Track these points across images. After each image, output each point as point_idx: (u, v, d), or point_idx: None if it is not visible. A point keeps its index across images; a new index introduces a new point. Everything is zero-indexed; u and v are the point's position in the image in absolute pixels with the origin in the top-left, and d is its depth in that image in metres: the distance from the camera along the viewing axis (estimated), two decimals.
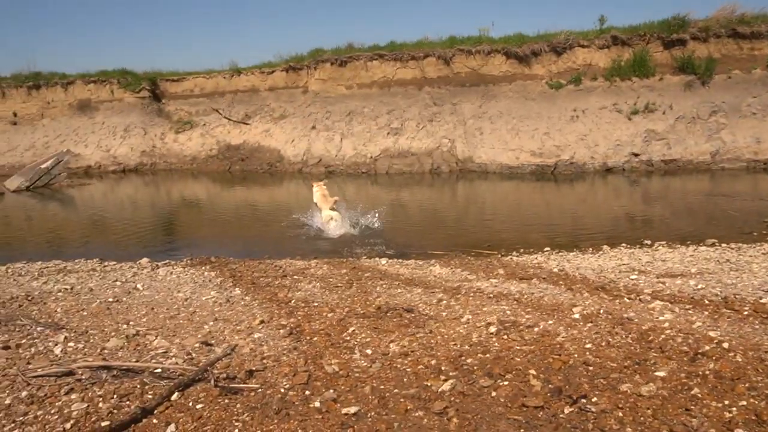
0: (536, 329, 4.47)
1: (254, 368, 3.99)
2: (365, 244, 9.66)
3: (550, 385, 3.55)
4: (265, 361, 4.13)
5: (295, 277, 6.88)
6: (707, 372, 3.59)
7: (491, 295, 5.59)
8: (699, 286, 5.58)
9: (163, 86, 27.18)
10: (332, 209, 10.33)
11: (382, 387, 3.68)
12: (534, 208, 13.59)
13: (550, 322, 4.63)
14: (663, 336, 4.18)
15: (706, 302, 5.02)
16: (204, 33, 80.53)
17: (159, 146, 25.08)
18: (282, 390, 3.67)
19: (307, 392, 3.64)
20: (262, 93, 25.49)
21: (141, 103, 26.45)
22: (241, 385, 3.74)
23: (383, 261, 7.97)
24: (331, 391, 3.63)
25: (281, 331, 4.74)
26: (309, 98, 24.22)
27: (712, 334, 4.18)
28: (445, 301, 5.45)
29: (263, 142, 23.57)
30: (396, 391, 3.62)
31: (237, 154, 23.58)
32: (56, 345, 4.41)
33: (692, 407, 3.24)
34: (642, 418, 3.17)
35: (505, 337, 4.35)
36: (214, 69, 26.87)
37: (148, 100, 26.63)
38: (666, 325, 4.42)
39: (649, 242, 8.86)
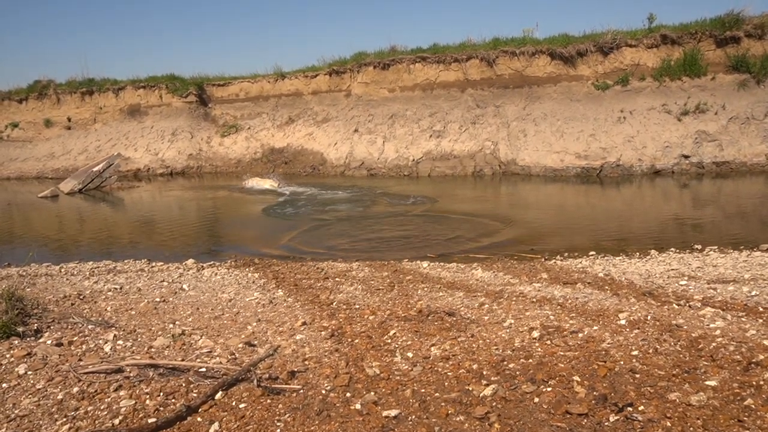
0: (581, 335, 4.39)
1: (296, 369, 4.03)
2: (407, 247, 9.66)
3: (594, 392, 3.48)
4: (306, 362, 4.16)
5: (336, 279, 6.93)
6: (761, 382, 3.46)
7: (534, 300, 5.52)
8: (753, 293, 5.38)
9: (209, 91, 27.77)
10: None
11: (423, 390, 3.66)
12: (579, 211, 13.36)
13: (595, 327, 4.54)
14: (714, 344, 4.05)
15: (761, 309, 4.85)
16: (249, 37, 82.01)
17: (205, 150, 25.62)
18: (323, 391, 3.70)
19: (348, 394, 3.65)
20: (305, 97, 25.78)
21: (188, 108, 27.07)
22: (283, 386, 3.77)
23: (425, 264, 7.95)
24: (372, 393, 3.64)
25: (323, 332, 4.77)
26: (352, 102, 24.37)
27: (767, 342, 4.03)
28: (487, 305, 5.40)
29: (306, 146, 23.83)
30: (437, 395, 3.60)
31: (281, 157, 23.90)
32: (106, 343, 4.54)
33: (745, 418, 3.13)
34: (692, 429, 3.07)
35: (549, 342, 4.28)
36: (259, 73, 27.34)
37: (195, 105, 27.25)
38: (717, 332, 4.28)
39: (699, 247, 8.60)
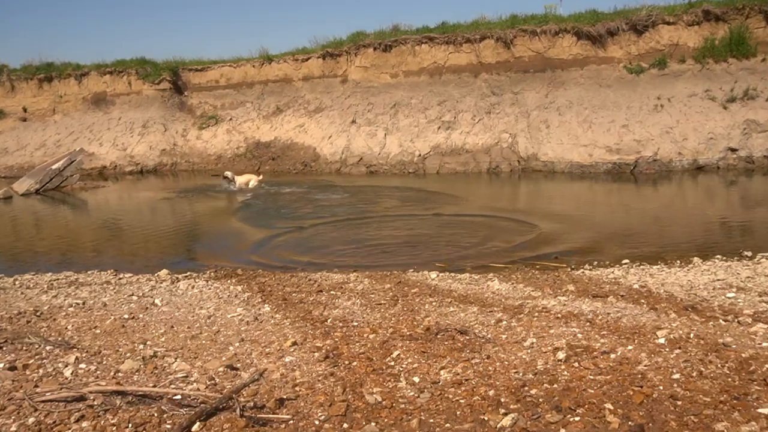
0: (613, 356, 4.37)
1: (285, 396, 4.01)
2: (412, 255, 9.65)
3: (629, 422, 3.47)
4: (297, 388, 4.15)
5: (332, 292, 6.92)
6: None
7: (559, 315, 5.51)
8: None
9: (185, 76, 27.83)
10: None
11: (431, 421, 3.65)
12: (610, 213, 13.35)
13: (630, 347, 4.53)
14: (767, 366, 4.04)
15: None
16: (231, 15, 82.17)
17: (181, 144, 25.67)
18: (317, 422, 3.68)
19: (345, 425, 3.64)
20: (295, 83, 25.83)
21: (161, 96, 27.13)
22: (271, 416, 3.76)
23: (433, 275, 7.94)
24: (373, 424, 3.62)
25: (316, 354, 4.76)
26: (348, 89, 24.41)
27: None
28: (505, 322, 5.39)
29: (297, 139, 23.87)
30: (447, 425, 3.59)
31: (267, 153, 23.94)
32: (66, 366, 4.53)
33: None
34: None
35: (576, 364, 4.27)
36: (242, 57, 27.42)
37: (168, 93, 27.31)
38: None
39: (749, 254, 8.58)
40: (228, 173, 18.41)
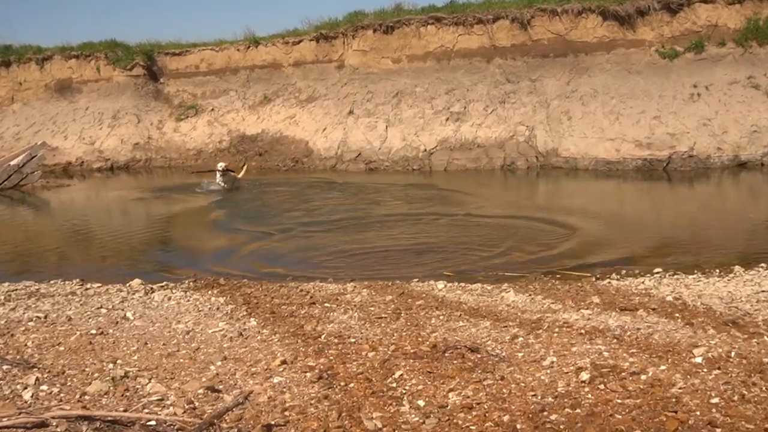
0: (643, 377, 4.37)
1: (273, 422, 4.01)
2: (417, 263, 9.66)
3: None
4: (287, 413, 4.14)
5: (326, 304, 6.91)
6: None
7: (583, 331, 5.50)
8: None
9: (161, 61, 27.86)
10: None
11: None
12: (640, 215, 13.35)
13: (663, 367, 4.52)
14: None
15: None
16: None
17: (156, 137, 25.70)
18: None
19: None
20: (285, 69, 25.87)
21: (134, 84, 27.16)
22: None
23: (440, 285, 7.93)
24: None
25: (308, 374, 4.76)
26: (345, 75, 24.44)
27: None
28: (521, 338, 5.38)
29: (287, 132, 23.89)
30: None
31: (253, 147, 23.96)
32: (26, 388, 4.53)
33: None
34: None
35: (602, 386, 4.26)
36: (226, 39, 27.44)
37: (142, 80, 27.33)
38: None
39: None
40: (221, 165, 18.07)
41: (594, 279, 8.22)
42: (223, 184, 17.45)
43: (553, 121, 20.59)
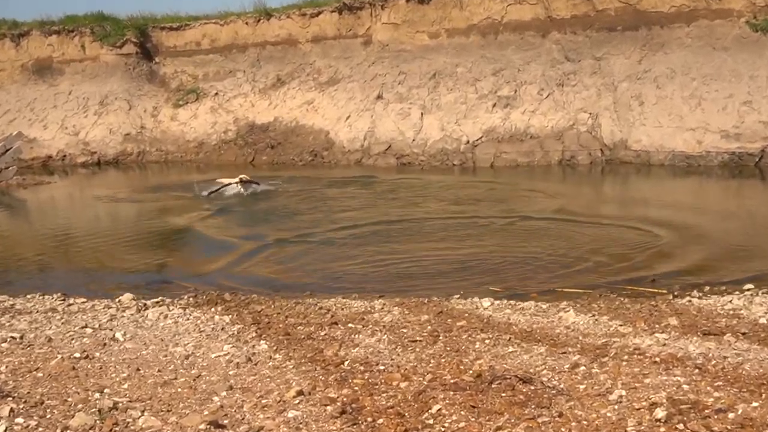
0: (732, 415, 4.31)
1: None
2: (459, 276, 9.63)
3: None
4: None
5: (350, 325, 6.91)
6: None
7: (658, 360, 5.45)
8: None
9: (156, 37, 28.06)
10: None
11: None
12: (727, 220, 13.18)
13: (755, 404, 4.46)
14: None
15: None
16: None
17: (150, 127, 25.89)
18: None
19: None
20: (302, 46, 25.93)
21: (124, 64, 27.36)
22: None
23: (485, 302, 7.90)
24: None
25: (329, 407, 4.76)
26: (373, 53, 24.45)
27: None
28: (583, 367, 5.34)
29: (303, 120, 23.96)
30: None
31: (264, 138, 24.06)
32: (0, 420, 4.57)
33: None
34: None
35: (681, 426, 4.21)
36: (232, 11, 27.55)
37: (134, 59, 27.54)
38: None
39: None
40: (241, 177, 17.94)
41: (671, 296, 8.13)
42: (243, 191, 17.52)
43: (621, 107, 20.43)
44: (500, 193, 16.38)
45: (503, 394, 4.87)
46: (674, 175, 18.13)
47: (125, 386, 5.34)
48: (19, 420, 4.62)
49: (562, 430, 4.30)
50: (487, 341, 6.21)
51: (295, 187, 18.20)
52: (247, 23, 26.88)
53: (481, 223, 13.32)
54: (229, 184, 17.67)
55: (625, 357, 5.57)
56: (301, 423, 4.56)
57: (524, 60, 22.33)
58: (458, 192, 16.97)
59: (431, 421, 4.50)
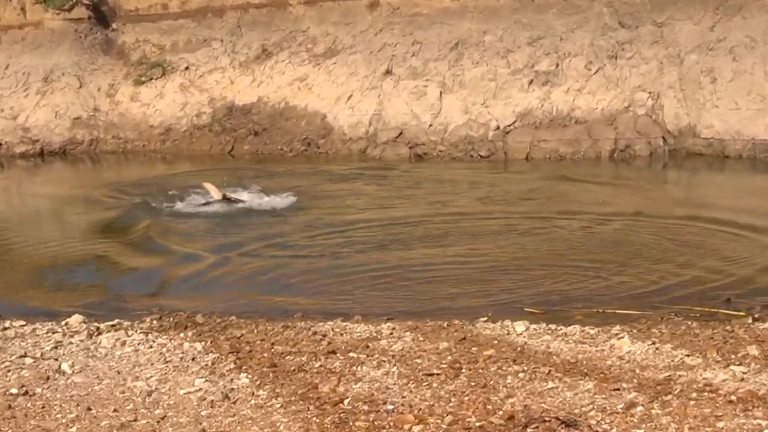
0: None
1: None
2: (487, 292, 9.63)
3: None
4: None
5: (351, 354, 6.91)
6: None
7: (734, 398, 5.43)
8: None
9: None
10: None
11: None
12: None
13: None
14: None
15: None
16: None
17: (105, 109, 25.87)
18: None
19: None
20: (293, 9, 25.90)
21: (74, 31, 27.35)
22: None
23: (520, 327, 7.89)
24: None
25: None
26: (381, 18, 24.44)
27: None
28: (641, 408, 5.34)
29: (295, 101, 23.93)
30: None
31: (246, 123, 24.04)
32: None
33: None
34: None
35: None
36: None
37: (86, 25, 27.52)
38: None
39: None
40: (222, 193, 16.85)
41: (750, 320, 8.12)
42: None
43: (688, 84, 20.39)
44: (551, 190, 16.38)
45: None
46: (754, 168, 18.09)
47: (73, 429, 5.34)
48: None
49: None
50: (521, 375, 6.21)
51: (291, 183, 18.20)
52: None
53: (531, 227, 13.35)
54: (208, 202, 16.67)
55: (693, 395, 5.56)
56: None
57: (568, 26, 22.30)
58: (492, 187, 17.00)
59: None
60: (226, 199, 16.52)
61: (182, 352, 7.14)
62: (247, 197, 16.88)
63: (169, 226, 14.81)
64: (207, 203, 16.40)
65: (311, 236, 13.22)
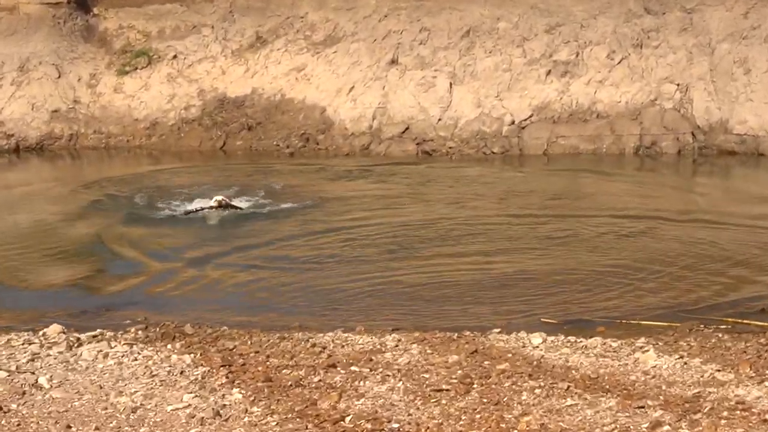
0: None
1: None
2: (501, 300, 9.64)
3: None
4: None
5: (353, 368, 6.92)
6: None
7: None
8: None
9: None
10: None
11: None
12: None
13: None
14: None
15: None
16: None
17: (86, 101, 25.84)
18: None
19: None
20: None
21: (52, 17, 27.35)
22: None
23: (536, 339, 7.90)
24: None
25: None
26: (385, 2, 24.41)
27: None
28: (667, 427, 5.35)
29: (292, 93, 23.92)
30: None
31: (239, 117, 24.02)
32: None
33: None
34: None
35: None
36: None
37: (65, 10, 27.51)
38: None
39: None
40: (219, 198, 16.06)
41: None
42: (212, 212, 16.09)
43: (720, 76, 20.39)
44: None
45: None
46: None
47: None
48: None
49: None
50: (537, 391, 6.22)
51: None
52: None
53: (550, 229, 13.38)
54: (202, 209, 16.04)
55: (725, 414, 5.57)
56: None
57: (589, 12, 22.31)
58: (506, 187, 17.02)
59: None
60: (221, 206, 15.88)
61: (170, 365, 7.14)
62: (246, 203, 16.51)
63: (143, 234, 14.77)
64: (198, 210, 15.87)
65: (312, 242, 13.24)
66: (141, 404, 6.14)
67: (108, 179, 19.70)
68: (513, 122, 21.20)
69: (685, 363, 6.96)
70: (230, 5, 26.49)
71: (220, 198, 15.93)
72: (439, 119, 21.84)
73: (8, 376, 6.86)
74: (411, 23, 23.69)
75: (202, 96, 24.92)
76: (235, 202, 16.27)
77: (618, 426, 5.43)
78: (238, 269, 11.81)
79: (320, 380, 6.62)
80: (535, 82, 21.63)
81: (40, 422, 5.81)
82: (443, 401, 6.06)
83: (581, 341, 7.89)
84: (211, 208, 15.77)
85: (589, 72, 21.39)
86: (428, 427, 5.53)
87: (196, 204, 16.18)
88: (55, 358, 7.44)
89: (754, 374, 6.52)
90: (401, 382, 6.50)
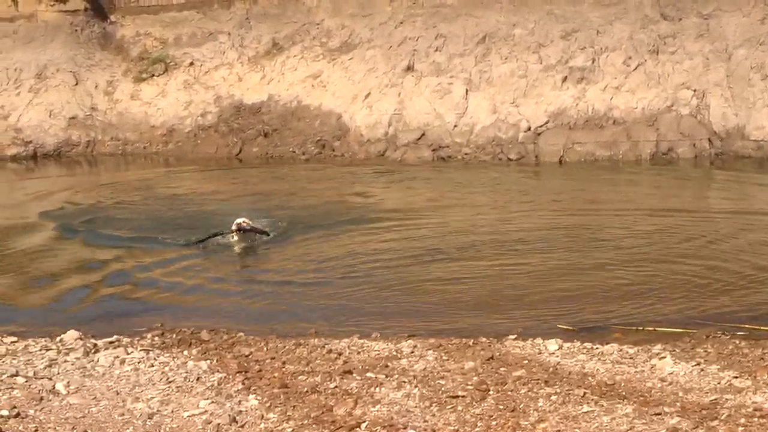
0: None
1: None
2: (518, 305, 9.63)
3: None
4: None
5: (369, 375, 6.91)
6: None
7: None
8: None
9: None
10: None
11: None
12: None
13: None
14: None
15: None
16: None
17: (103, 108, 25.88)
18: None
19: None
20: (306, 0, 25.92)
21: (69, 24, 27.42)
22: None
23: (552, 345, 7.88)
24: None
25: None
26: (401, 9, 24.43)
27: None
28: None
29: (308, 99, 23.93)
30: None
31: (255, 124, 24.04)
32: None
33: None
34: None
35: None
36: None
37: (82, 18, 27.58)
38: None
39: None
40: (240, 220, 14.01)
41: None
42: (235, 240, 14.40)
43: (737, 82, 20.34)
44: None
45: None
46: None
47: None
48: None
49: None
50: (553, 397, 6.20)
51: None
52: None
53: (566, 234, 13.36)
54: (220, 233, 14.25)
55: (742, 420, 5.55)
56: None
57: (605, 18, 22.28)
58: (523, 193, 17.00)
59: None
60: (240, 230, 13.90)
61: (186, 372, 7.15)
62: (269, 227, 14.71)
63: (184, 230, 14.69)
64: (216, 235, 14.05)
65: (326, 239, 13.24)
66: (157, 410, 6.14)
67: (136, 180, 19.72)
68: (529, 128, 21.18)
69: (702, 369, 6.93)
70: (246, 12, 26.53)
71: (240, 221, 13.95)
72: (455, 125, 21.83)
73: (26, 381, 6.87)
74: (427, 30, 23.70)
75: (218, 103, 24.96)
76: (257, 225, 14.31)
77: (634, 431, 5.42)
78: (258, 267, 11.83)
79: (336, 386, 6.61)
80: (551, 88, 21.61)
81: (57, 428, 5.81)
82: (459, 408, 6.05)
83: (597, 347, 7.87)
84: (231, 232, 13.92)
85: (605, 78, 21.36)
86: None
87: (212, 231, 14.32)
88: (72, 364, 7.45)
89: None
90: (417, 389, 6.49)
